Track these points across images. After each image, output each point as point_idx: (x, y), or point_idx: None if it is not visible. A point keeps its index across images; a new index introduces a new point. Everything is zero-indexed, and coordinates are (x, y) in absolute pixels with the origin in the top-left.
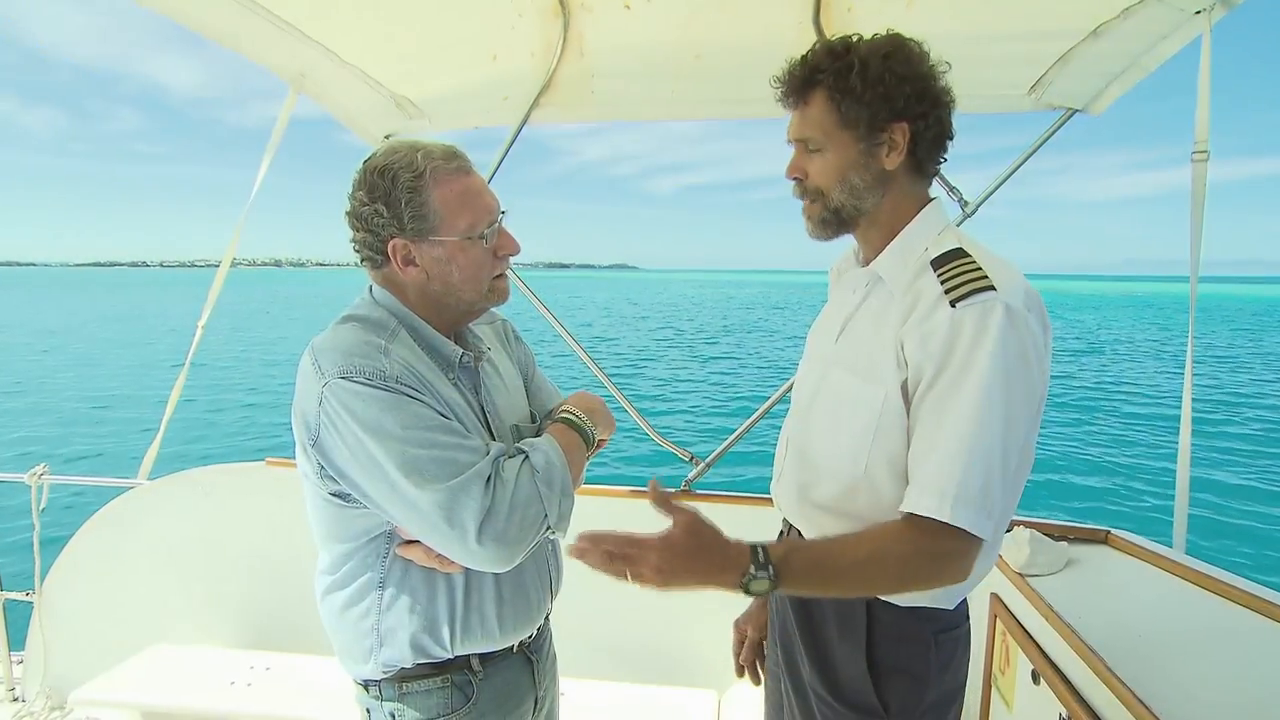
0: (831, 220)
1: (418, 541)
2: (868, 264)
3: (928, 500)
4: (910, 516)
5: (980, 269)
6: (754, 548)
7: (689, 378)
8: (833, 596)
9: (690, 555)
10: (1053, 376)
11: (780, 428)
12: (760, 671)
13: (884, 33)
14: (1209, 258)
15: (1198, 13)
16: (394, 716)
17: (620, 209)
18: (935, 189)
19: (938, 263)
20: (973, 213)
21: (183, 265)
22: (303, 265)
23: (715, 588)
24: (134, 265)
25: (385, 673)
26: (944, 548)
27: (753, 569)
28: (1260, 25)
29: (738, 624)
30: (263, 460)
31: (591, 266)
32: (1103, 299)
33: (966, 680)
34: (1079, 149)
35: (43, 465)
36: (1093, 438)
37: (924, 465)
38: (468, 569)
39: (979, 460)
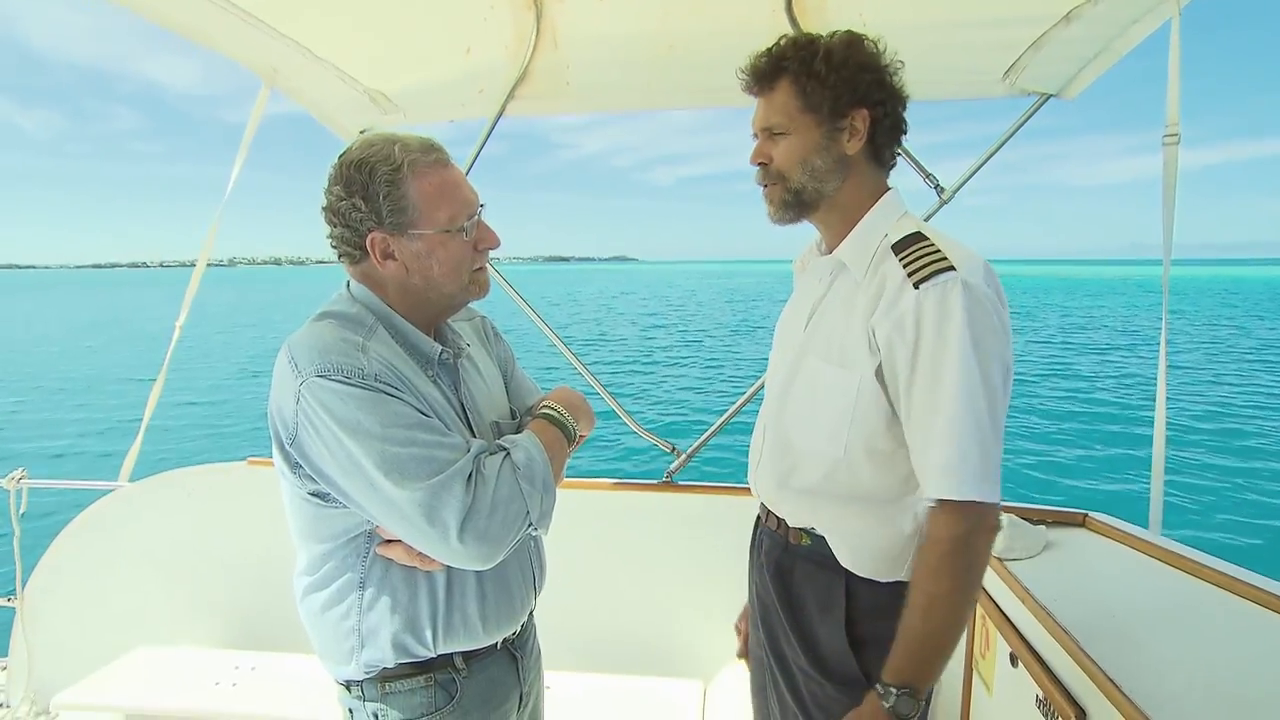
0: (792, 202)
1: (398, 540)
2: (830, 252)
3: (951, 484)
4: (932, 509)
5: (939, 251)
6: (876, 688)
7: (674, 372)
8: (956, 634)
9: None
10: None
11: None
12: None
13: (858, 19)
14: (1223, 241)
15: None
16: (377, 717)
17: (619, 201)
18: (914, 178)
19: (898, 247)
20: (949, 199)
21: (182, 265)
22: (303, 263)
23: None
24: (133, 266)
25: (367, 673)
26: (977, 524)
27: (884, 704)
28: (1271, 8)
29: (738, 626)
30: (244, 460)
31: (591, 259)
32: (1107, 284)
33: None
34: (1079, 134)
35: (21, 470)
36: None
37: (933, 454)
38: (449, 567)
39: (974, 435)
